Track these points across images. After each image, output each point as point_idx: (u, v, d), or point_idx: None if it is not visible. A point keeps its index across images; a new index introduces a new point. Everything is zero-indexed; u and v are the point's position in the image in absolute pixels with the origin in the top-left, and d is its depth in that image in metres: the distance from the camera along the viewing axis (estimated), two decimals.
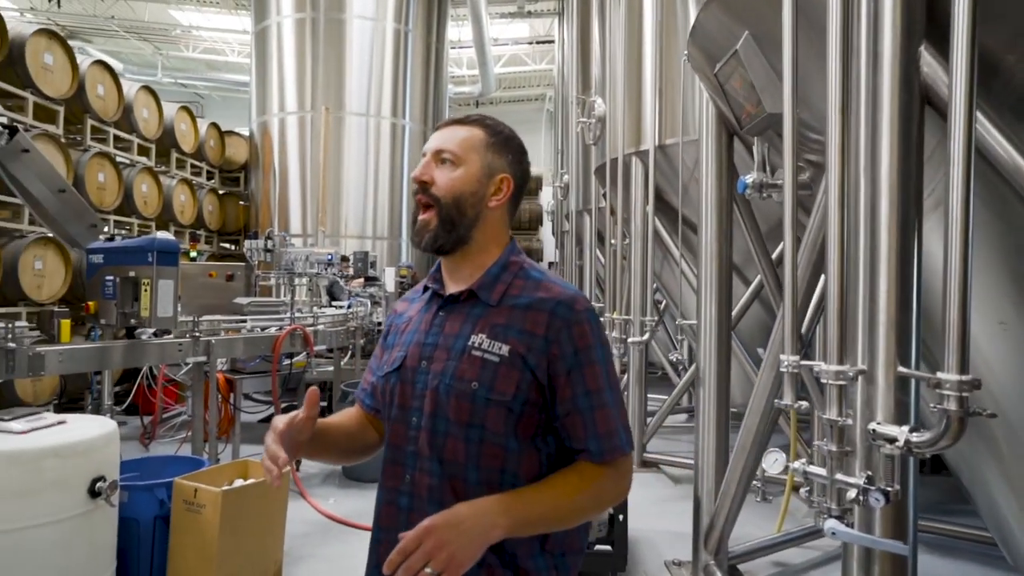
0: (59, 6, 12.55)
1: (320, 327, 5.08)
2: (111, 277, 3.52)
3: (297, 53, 9.11)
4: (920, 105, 1.59)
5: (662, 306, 7.05)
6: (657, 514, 4.22)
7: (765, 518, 3.76)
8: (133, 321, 3.50)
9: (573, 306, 1.16)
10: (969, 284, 1.37)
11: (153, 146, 7.66)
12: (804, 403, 2.02)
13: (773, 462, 1.99)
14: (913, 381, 1.59)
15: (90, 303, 3.56)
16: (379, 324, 5.88)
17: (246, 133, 9.82)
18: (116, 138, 6.92)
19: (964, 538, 3.72)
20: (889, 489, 1.54)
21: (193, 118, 8.62)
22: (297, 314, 5.00)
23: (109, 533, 2.57)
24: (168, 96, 8.88)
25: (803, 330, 2.84)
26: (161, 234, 3.69)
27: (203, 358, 3.90)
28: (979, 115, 1.50)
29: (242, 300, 5.30)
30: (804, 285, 2.48)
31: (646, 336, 5.04)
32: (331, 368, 5.49)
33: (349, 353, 5.70)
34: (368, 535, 1.26)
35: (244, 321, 4.68)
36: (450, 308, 1.22)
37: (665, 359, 7.61)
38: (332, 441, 1.26)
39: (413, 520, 1.15)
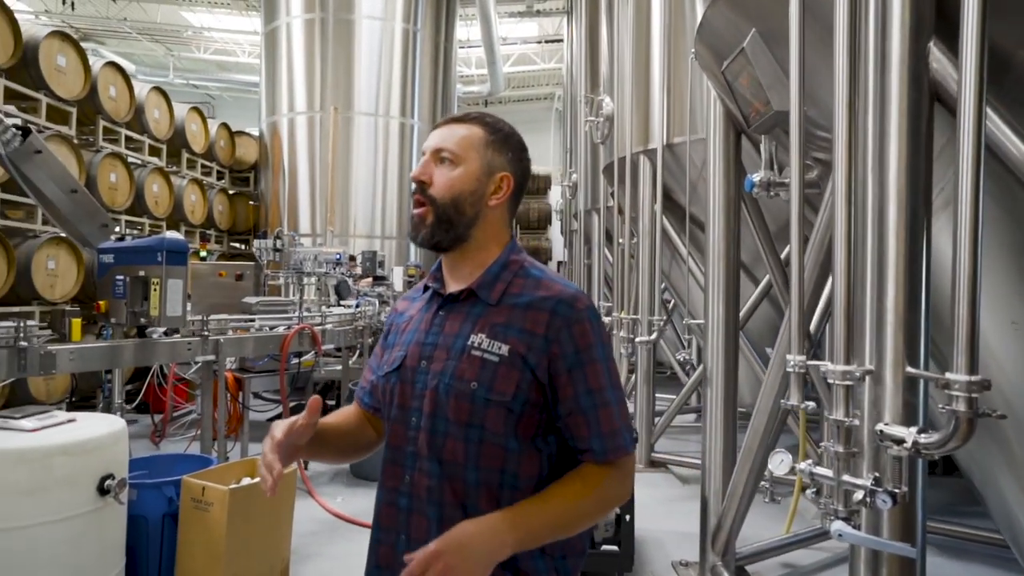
0: (73, 9, 12.70)
1: (328, 326, 5.10)
2: (121, 277, 3.55)
3: (306, 53, 9.16)
4: (929, 102, 1.57)
5: (670, 305, 7.01)
6: (664, 514, 4.20)
7: (773, 519, 3.73)
8: (143, 320, 3.53)
9: (574, 304, 1.15)
10: (978, 283, 1.35)
11: (164, 146, 7.73)
12: (812, 403, 2.00)
13: (779, 463, 1.98)
14: (922, 381, 1.57)
15: (101, 302, 3.60)
16: None
17: (256, 133, 9.88)
18: (128, 139, 6.99)
19: (975, 540, 3.67)
20: (896, 491, 1.52)
21: (204, 119, 8.69)
22: (305, 313, 5.02)
23: (118, 530, 2.59)
24: (180, 97, 8.97)
25: (811, 330, 2.82)
26: (170, 234, 3.72)
27: (212, 357, 3.93)
28: (989, 111, 1.48)
29: (251, 299, 5.33)
30: (811, 284, 2.46)
31: (654, 335, 5.02)
32: (339, 367, 5.52)
33: (357, 352, 5.72)
34: None
35: (253, 320, 4.71)
36: (450, 307, 1.22)
37: (673, 358, 7.57)
38: (329, 441, 1.25)
39: (413, 521, 1.15)
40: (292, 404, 4.77)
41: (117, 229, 6.50)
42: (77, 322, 3.46)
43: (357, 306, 5.78)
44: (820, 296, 2.76)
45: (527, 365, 1.12)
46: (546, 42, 15.82)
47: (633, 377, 5.45)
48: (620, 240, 5.78)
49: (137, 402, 5.72)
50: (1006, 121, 1.53)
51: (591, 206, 7.97)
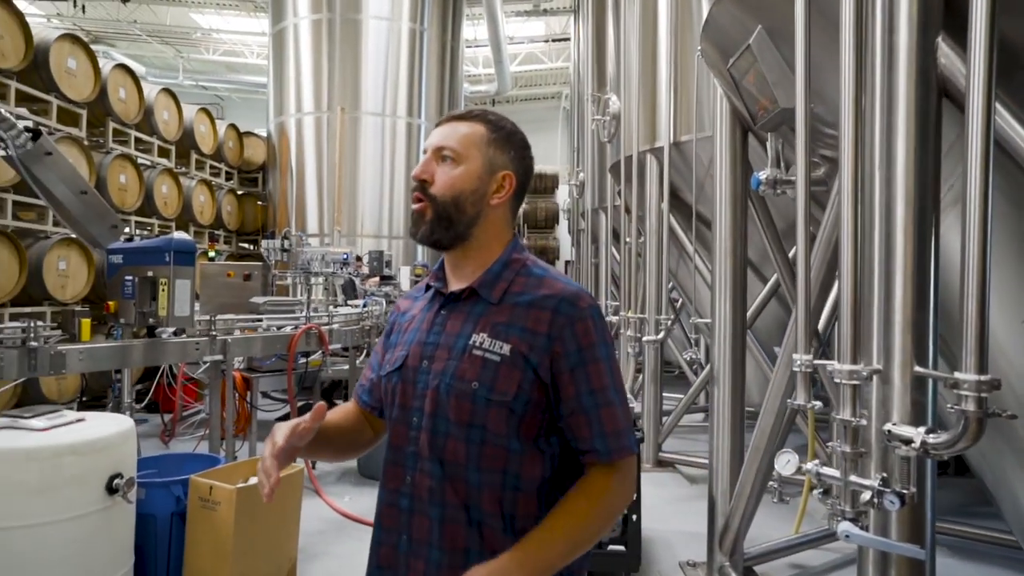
0: (83, 11, 12.80)
1: (335, 326, 5.12)
2: (130, 277, 3.58)
3: (313, 54, 9.19)
4: (937, 98, 1.55)
5: (678, 304, 6.99)
6: (672, 514, 4.18)
7: (782, 519, 3.70)
8: (151, 320, 3.56)
9: (576, 303, 1.14)
10: (988, 281, 1.33)
11: (173, 148, 7.78)
12: (819, 403, 1.98)
13: (785, 463, 1.96)
14: (930, 380, 1.55)
15: (110, 303, 3.63)
16: None
17: (264, 134, 9.93)
18: (137, 140, 7.04)
19: (987, 541, 3.63)
20: (905, 492, 1.50)
21: (212, 120, 8.73)
22: (312, 313, 5.04)
23: (127, 529, 2.61)
24: (189, 98, 9.01)
25: (819, 328, 2.79)
26: (178, 234, 3.74)
27: (220, 357, 3.96)
28: (999, 106, 1.46)
29: (258, 299, 5.36)
30: (819, 283, 2.44)
31: (661, 335, 5.00)
32: (346, 367, 5.54)
33: (364, 352, 5.73)
34: None
35: (260, 320, 4.74)
36: (452, 306, 1.21)
37: (681, 358, 7.54)
38: (327, 440, 1.24)
39: (414, 522, 1.14)
40: (300, 404, 4.79)
41: (127, 230, 6.55)
42: (87, 322, 3.48)
43: (364, 306, 5.80)
44: (828, 295, 2.74)
45: (529, 364, 1.11)
46: (553, 41, 15.79)
47: (641, 376, 5.43)
48: (627, 239, 5.76)
49: (147, 402, 5.76)
50: (1016, 116, 1.51)
51: (598, 205, 7.96)
